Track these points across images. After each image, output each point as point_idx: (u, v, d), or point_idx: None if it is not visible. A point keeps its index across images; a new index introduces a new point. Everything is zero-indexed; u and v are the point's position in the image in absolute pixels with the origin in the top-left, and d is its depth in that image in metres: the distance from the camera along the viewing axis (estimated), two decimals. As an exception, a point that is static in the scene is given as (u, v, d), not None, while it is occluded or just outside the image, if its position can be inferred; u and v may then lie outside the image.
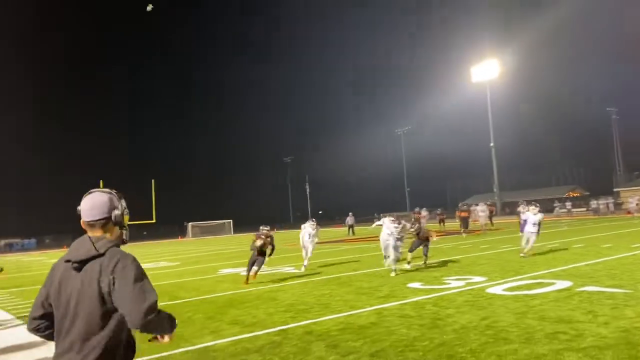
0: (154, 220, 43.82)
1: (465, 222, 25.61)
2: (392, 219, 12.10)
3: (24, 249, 60.10)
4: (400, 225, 11.84)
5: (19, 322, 8.83)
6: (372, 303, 8.36)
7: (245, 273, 12.12)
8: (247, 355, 5.68)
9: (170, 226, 69.94)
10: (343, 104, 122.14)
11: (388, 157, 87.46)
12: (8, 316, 9.63)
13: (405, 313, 7.38)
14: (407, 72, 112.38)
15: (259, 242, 11.71)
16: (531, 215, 13.81)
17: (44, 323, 2.34)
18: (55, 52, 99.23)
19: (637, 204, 35.91)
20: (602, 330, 5.72)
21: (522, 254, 13.51)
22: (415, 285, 9.95)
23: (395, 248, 11.61)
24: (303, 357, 5.45)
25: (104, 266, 2.21)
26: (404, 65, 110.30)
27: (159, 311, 2.24)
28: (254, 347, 6.03)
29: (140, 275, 2.25)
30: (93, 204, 2.39)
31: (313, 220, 14.31)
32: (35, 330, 2.37)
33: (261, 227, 12.09)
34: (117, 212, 2.42)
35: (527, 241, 13.58)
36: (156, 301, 2.20)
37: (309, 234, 13.90)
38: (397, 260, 11.75)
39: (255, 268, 11.70)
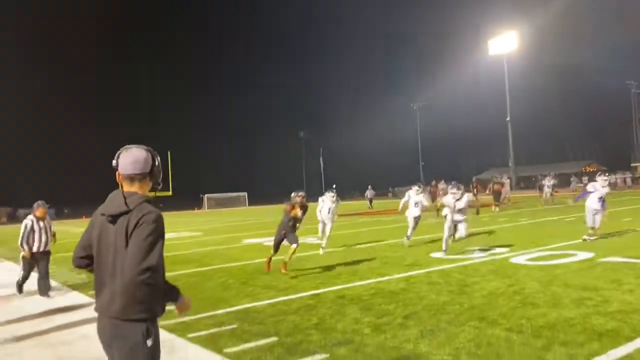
0: (170, 193, 44.44)
1: (497, 195, 25.04)
2: (454, 190, 10.23)
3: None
4: (460, 192, 10.19)
5: (67, 289, 9.27)
6: (398, 271, 8.64)
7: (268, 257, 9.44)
8: (286, 316, 6.00)
9: (185, 198, 70.82)
10: (358, 77, 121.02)
11: (403, 131, 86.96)
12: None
13: (432, 280, 7.65)
14: (424, 46, 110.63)
15: (300, 212, 9.21)
16: (599, 187, 11.07)
17: (86, 261, 2.60)
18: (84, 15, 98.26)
19: None
20: (627, 297, 5.93)
21: (586, 237, 10.97)
22: (438, 255, 10.20)
23: (464, 221, 10.18)
24: (339, 318, 5.75)
25: (131, 220, 2.38)
26: (421, 39, 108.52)
27: (161, 280, 2.40)
28: (291, 309, 6.34)
29: (155, 235, 2.36)
30: (135, 158, 2.54)
31: (334, 191, 12.41)
32: (78, 266, 2.65)
33: (293, 194, 9.50)
34: (157, 165, 2.60)
35: (593, 220, 10.95)
36: (155, 265, 2.30)
37: (329, 208, 12.14)
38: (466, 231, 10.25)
39: (294, 245, 9.08)
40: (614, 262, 8.21)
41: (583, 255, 9.11)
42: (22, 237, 8.12)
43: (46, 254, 8.33)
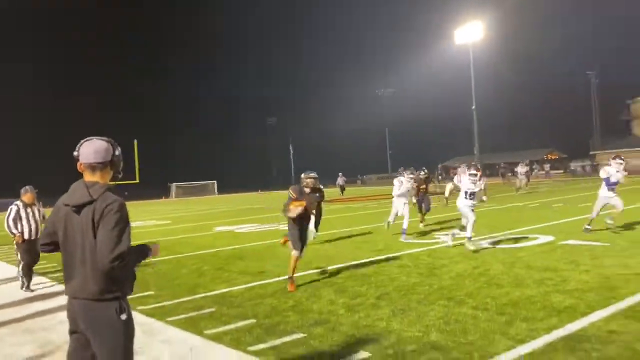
0: (137, 181, 43.78)
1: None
2: (473, 172, 9.16)
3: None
4: (478, 176, 9.13)
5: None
6: (370, 255, 8.92)
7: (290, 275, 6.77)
8: (263, 299, 6.17)
9: (152, 187, 69.80)
10: (326, 66, 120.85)
11: (371, 120, 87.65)
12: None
13: (402, 263, 7.94)
14: (390, 34, 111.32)
15: (312, 200, 7.07)
16: (614, 171, 9.85)
17: (50, 247, 2.77)
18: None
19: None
20: (584, 276, 6.33)
21: (609, 221, 9.92)
22: (408, 240, 10.52)
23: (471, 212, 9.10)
24: (315, 300, 5.96)
25: (97, 209, 2.55)
26: (388, 27, 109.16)
27: (131, 264, 2.61)
28: (267, 292, 6.52)
29: (122, 223, 2.54)
30: (96, 148, 2.69)
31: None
32: (43, 251, 2.84)
33: (303, 176, 7.19)
34: (117, 155, 2.76)
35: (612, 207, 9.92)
36: (126, 251, 2.51)
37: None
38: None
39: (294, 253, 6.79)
40: (573, 245, 8.67)
41: (544, 238, 9.56)
42: (8, 222, 7.53)
43: (35, 242, 7.49)
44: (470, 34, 58.06)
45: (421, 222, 12.83)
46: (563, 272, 6.61)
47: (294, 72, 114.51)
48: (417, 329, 4.63)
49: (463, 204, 9.14)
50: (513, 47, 77.39)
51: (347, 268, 7.87)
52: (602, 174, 10.09)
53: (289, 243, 6.95)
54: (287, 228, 7.03)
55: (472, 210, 9.10)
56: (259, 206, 29.39)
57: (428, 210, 13.13)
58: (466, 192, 9.11)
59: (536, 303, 5.25)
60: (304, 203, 6.74)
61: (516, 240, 9.62)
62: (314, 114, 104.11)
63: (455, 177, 9.75)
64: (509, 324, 4.61)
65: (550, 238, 9.56)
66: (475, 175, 9.05)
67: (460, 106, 66.02)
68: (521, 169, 26.96)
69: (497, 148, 75.99)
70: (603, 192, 9.97)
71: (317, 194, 7.24)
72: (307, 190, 7.02)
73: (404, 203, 11.06)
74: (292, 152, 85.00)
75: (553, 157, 71.85)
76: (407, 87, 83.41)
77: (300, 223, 6.84)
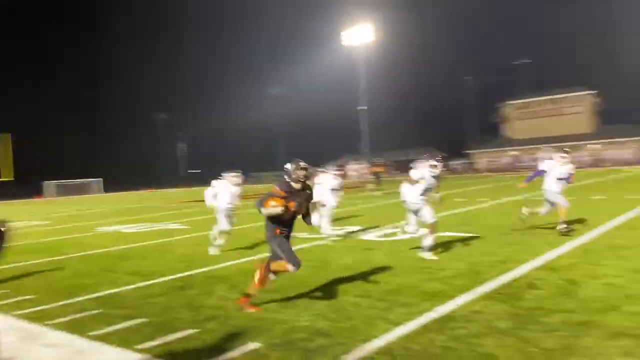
0: (11, 178, 40.19)
1: (378, 177, 25.69)
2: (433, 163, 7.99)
3: None
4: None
5: None
6: (261, 251, 9.07)
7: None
8: (154, 298, 6.09)
9: (29, 186, 64.31)
10: (214, 62, 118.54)
11: (262, 118, 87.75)
12: None
13: (294, 258, 8.21)
14: (282, 34, 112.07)
15: (303, 202, 5.43)
16: (558, 165, 9.21)
17: None
18: None
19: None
20: (455, 264, 7.01)
21: (524, 211, 9.71)
22: (300, 235, 10.83)
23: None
24: (208, 297, 6.01)
25: None
26: (278, 27, 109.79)
27: None
28: (159, 291, 6.43)
29: None
30: None
31: (237, 173, 9.75)
32: None
33: (292, 166, 5.40)
34: None
35: (551, 204, 9.26)
36: None
37: (231, 193, 9.52)
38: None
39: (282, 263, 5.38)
40: (449, 236, 9.49)
41: (422, 231, 10.31)
42: None
43: None
44: (358, 36, 60.41)
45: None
46: (439, 262, 7.26)
47: (183, 69, 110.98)
48: (305, 318, 4.89)
49: (414, 199, 8.10)
50: (399, 49, 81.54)
51: (241, 264, 7.98)
52: (543, 166, 9.41)
53: (277, 263, 5.39)
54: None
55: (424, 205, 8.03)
56: (149, 205, 28.33)
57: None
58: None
59: (413, 289, 5.75)
60: (292, 204, 5.27)
61: (397, 233, 10.28)
62: (204, 112, 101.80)
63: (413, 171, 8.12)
64: (389, 309, 5.02)
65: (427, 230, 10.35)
66: (436, 166, 7.95)
67: (349, 105, 68.39)
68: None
69: (380, 147, 79.32)
70: (551, 186, 9.17)
71: (308, 192, 5.54)
72: (297, 186, 5.38)
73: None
74: (181, 149, 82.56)
75: (440, 156, 76.67)
76: (298, 85, 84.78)
77: (288, 228, 5.45)
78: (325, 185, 10.62)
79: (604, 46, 78.64)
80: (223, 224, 9.42)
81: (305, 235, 10.81)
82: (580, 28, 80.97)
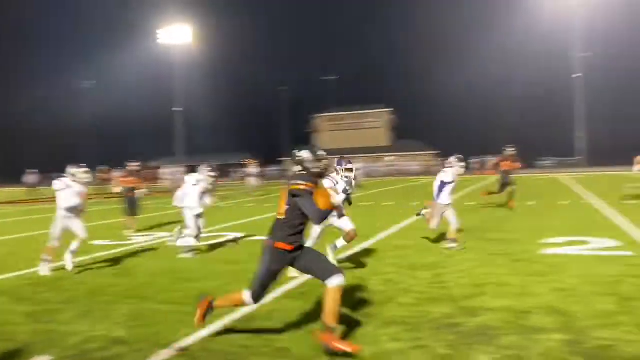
0: None
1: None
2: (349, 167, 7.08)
3: None
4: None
5: None
6: (61, 259, 8.36)
7: None
8: None
9: None
10: (19, 53, 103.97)
11: (71, 112, 79.65)
12: None
13: (98, 266, 7.77)
14: (96, 27, 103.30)
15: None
16: (456, 174, 8.39)
17: None
18: None
19: None
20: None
21: (424, 212, 8.67)
22: (102, 242, 10.22)
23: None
24: (-13, 312, 5.39)
25: None
26: (91, 20, 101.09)
27: None
28: None
29: None
30: None
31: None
32: None
33: (310, 156, 4.29)
34: None
35: (439, 220, 8.37)
36: None
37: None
38: None
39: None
40: (257, 240, 9.85)
41: (234, 235, 10.60)
42: None
43: None
44: (177, 36, 58.88)
45: (130, 227, 11.60)
46: (245, 265, 7.55)
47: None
48: (102, 327, 4.72)
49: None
50: (221, 54, 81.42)
51: (30, 275, 7.27)
52: (443, 177, 8.31)
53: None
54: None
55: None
56: None
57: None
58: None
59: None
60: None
61: (209, 238, 10.37)
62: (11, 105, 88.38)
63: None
64: (191, 314, 5.08)
65: (240, 234, 10.66)
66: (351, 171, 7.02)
67: (165, 105, 66.07)
68: (253, 170, 28.38)
69: (197, 150, 78.14)
70: (445, 198, 8.28)
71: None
72: (322, 180, 4.42)
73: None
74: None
75: (249, 162, 78.14)
76: (109, 82, 79.00)
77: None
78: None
79: (404, 70, 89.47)
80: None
81: (108, 242, 10.24)
82: (383, 52, 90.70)
